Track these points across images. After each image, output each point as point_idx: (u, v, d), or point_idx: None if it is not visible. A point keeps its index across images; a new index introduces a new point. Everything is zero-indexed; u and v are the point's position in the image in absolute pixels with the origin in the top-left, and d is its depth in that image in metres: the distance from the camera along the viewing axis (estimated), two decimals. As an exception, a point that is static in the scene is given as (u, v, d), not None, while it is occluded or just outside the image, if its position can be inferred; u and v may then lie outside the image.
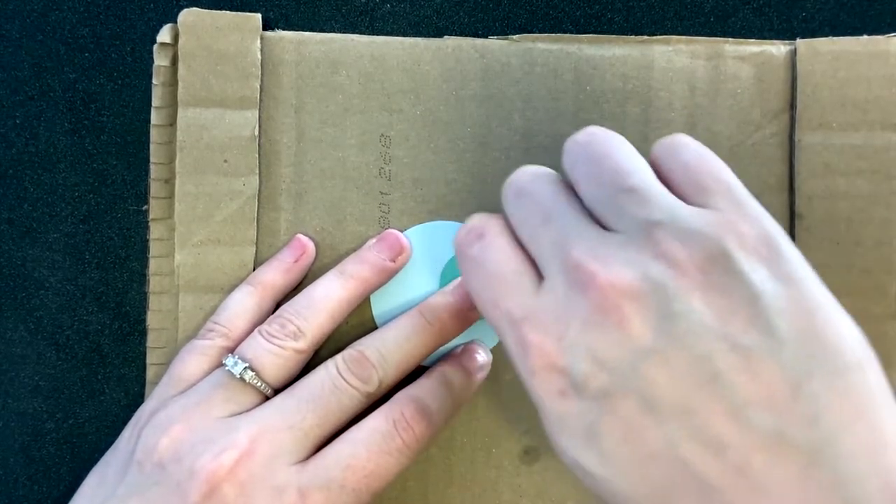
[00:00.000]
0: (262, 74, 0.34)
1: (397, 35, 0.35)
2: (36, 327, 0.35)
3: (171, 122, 0.34)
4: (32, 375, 0.35)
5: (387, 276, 0.33)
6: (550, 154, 0.34)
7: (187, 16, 0.33)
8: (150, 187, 0.34)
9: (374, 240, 0.34)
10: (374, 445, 0.29)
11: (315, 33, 0.34)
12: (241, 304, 0.33)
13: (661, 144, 0.27)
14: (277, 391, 0.31)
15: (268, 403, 0.30)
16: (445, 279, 0.34)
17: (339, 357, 0.31)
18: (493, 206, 0.34)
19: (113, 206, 0.35)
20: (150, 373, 0.34)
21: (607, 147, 0.26)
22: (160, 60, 0.33)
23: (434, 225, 0.34)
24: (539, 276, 0.26)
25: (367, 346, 0.31)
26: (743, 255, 0.23)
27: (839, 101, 0.34)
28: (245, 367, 0.30)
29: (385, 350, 0.31)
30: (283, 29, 0.34)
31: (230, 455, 0.28)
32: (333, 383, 0.30)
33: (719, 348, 0.22)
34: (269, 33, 0.34)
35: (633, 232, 0.24)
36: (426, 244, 0.34)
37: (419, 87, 0.34)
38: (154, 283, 0.34)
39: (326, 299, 0.32)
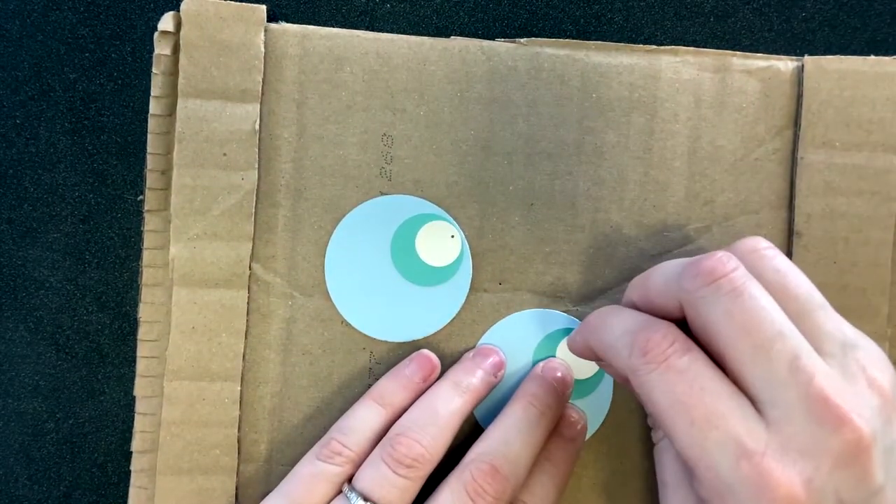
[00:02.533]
0: (264, 68, 0.33)
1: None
2: (36, 327, 0.34)
3: (170, 113, 0.33)
4: (32, 375, 0.34)
5: (491, 390, 0.33)
6: (554, 160, 0.34)
7: (190, 4, 0.32)
8: (146, 178, 0.33)
9: (472, 353, 0.33)
10: None
11: (320, 27, 0.33)
12: (370, 427, 0.31)
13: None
14: None
15: None
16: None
17: (467, 474, 0.29)
18: (494, 210, 0.34)
19: (113, 206, 0.34)
20: (141, 366, 0.33)
21: (789, 262, 0.27)
22: (161, 49, 0.33)
23: (520, 316, 0.34)
24: (749, 400, 0.24)
25: (494, 453, 0.30)
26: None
27: (843, 120, 0.34)
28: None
29: (513, 455, 0.30)
30: (288, 21, 0.34)
31: None
32: None
33: None
34: (273, 25, 0.33)
35: (840, 357, 0.25)
36: (516, 333, 0.34)
37: (424, 87, 0.34)
38: (147, 275, 0.33)
39: (450, 416, 0.31)
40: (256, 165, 0.33)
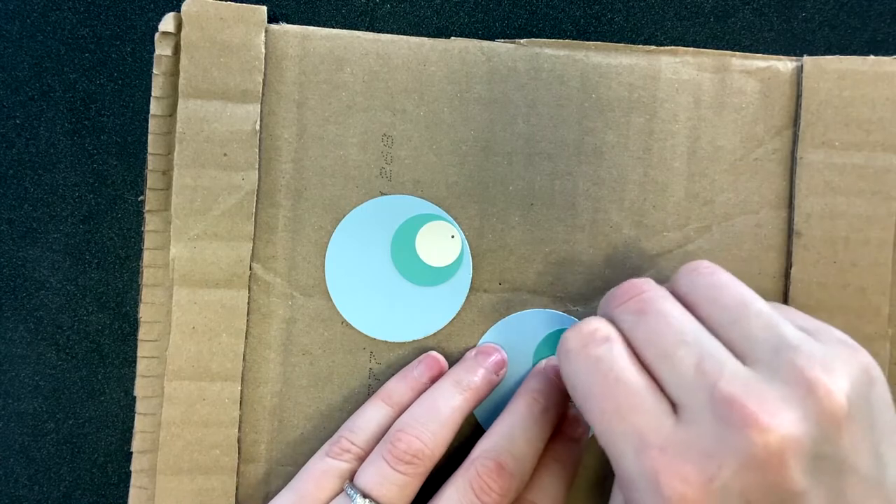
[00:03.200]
0: (265, 68, 0.33)
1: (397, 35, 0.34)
2: (36, 327, 0.34)
3: (171, 113, 0.33)
4: (32, 375, 0.34)
5: (493, 389, 0.33)
6: (553, 161, 0.34)
7: (191, 5, 0.33)
8: (147, 178, 0.33)
9: (474, 352, 0.33)
10: None
11: (320, 28, 0.34)
12: (378, 425, 0.32)
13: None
14: None
15: None
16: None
17: (472, 471, 0.29)
18: (494, 210, 0.34)
19: (113, 207, 0.34)
20: (141, 366, 0.33)
21: (729, 277, 0.26)
22: (162, 49, 0.33)
23: (520, 316, 0.34)
24: (670, 403, 0.24)
25: (499, 450, 0.30)
26: (865, 383, 0.24)
27: (843, 120, 0.34)
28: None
29: (518, 451, 0.30)
30: (288, 22, 0.34)
31: None
32: (471, 503, 0.29)
33: (852, 482, 0.23)
34: (273, 26, 0.33)
35: (775, 363, 0.24)
36: (516, 333, 0.34)
37: (424, 88, 0.34)
38: (147, 276, 0.33)
39: (451, 413, 0.31)
40: (257, 166, 0.33)
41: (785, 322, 0.25)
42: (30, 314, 0.34)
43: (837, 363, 0.24)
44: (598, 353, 0.26)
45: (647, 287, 0.27)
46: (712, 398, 0.23)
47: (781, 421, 0.22)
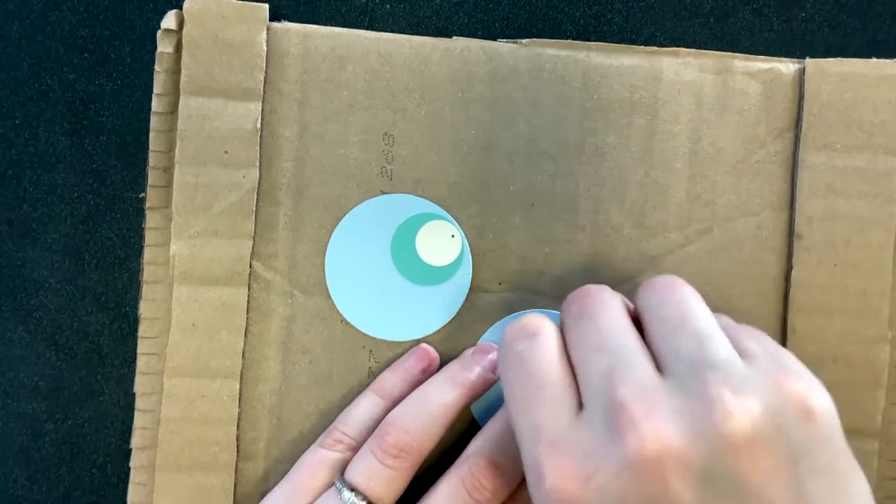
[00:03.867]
0: (266, 66, 0.33)
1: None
2: (36, 328, 0.34)
3: (172, 111, 0.33)
4: (32, 376, 0.35)
5: (489, 387, 0.32)
6: (555, 161, 0.34)
7: (193, 3, 0.33)
8: (148, 175, 0.33)
9: (471, 350, 0.33)
10: None
11: (322, 27, 0.34)
12: (370, 417, 0.32)
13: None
14: None
15: None
16: None
17: (465, 468, 0.29)
18: (494, 210, 0.34)
19: (112, 207, 0.35)
20: (141, 363, 0.33)
21: (683, 292, 0.26)
22: (164, 47, 0.33)
23: (519, 315, 0.34)
24: (580, 402, 0.25)
25: (493, 448, 0.30)
26: (790, 415, 0.23)
27: (845, 122, 0.34)
28: (359, 498, 0.29)
29: (512, 450, 0.29)
30: (290, 21, 0.34)
31: None
32: (463, 501, 0.29)
33: None
34: (275, 25, 0.33)
35: (687, 378, 0.23)
36: None
37: (425, 87, 0.34)
38: (148, 273, 0.33)
39: (444, 409, 0.31)
40: (258, 163, 0.33)
41: (720, 344, 0.24)
42: (29, 314, 0.35)
43: (756, 389, 0.23)
44: (520, 348, 0.26)
45: (593, 292, 0.27)
46: (607, 401, 0.23)
47: (663, 429, 0.22)
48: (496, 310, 0.34)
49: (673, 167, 0.34)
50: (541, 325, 0.27)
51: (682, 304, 0.26)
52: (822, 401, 0.24)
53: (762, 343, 0.25)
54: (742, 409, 0.22)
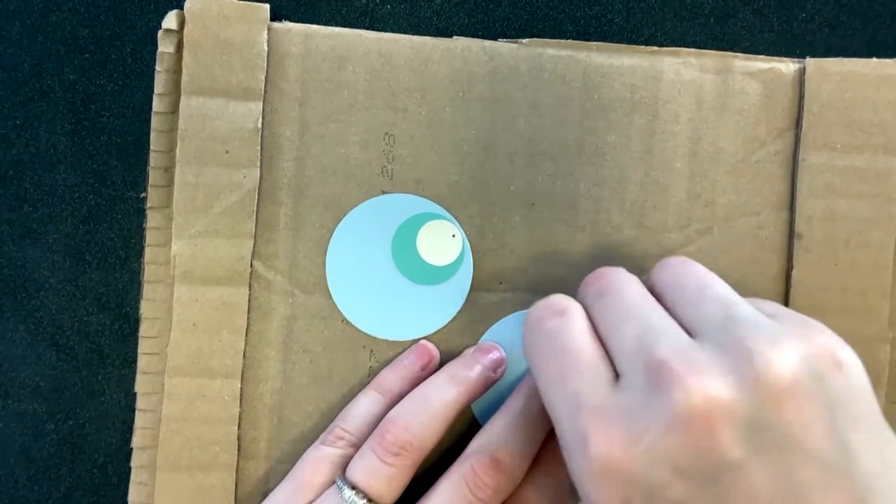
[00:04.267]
0: (267, 66, 0.33)
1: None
2: (36, 328, 0.34)
3: (173, 111, 0.33)
4: (32, 376, 0.35)
5: (489, 386, 0.33)
6: (555, 161, 0.34)
7: (194, 3, 0.33)
8: (149, 175, 0.33)
9: (472, 349, 0.33)
10: None
11: (323, 27, 0.34)
12: (370, 413, 0.32)
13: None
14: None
15: None
16: None
17: (466, 465, 0.30)
18: (495, 209, 0.34)
19: (113, 207, 0.35)
20: (142, 362, 0.33)
21: (697, 267, 0.27)
22: (164, 47, 0.33)
23: (520, 315, 0.34)
24: (615, 374, 0.25)
25: (495, 445, 0.30)
26: (823, 365, 0.23)
27: (845, 122, 0.34)
28: (359, 497, 0.29)
29: (515, 447, 0.30)
30: (291, 21, 0.34)
31: None
32: (465, 498, 0.29)
33: (801, 462, 0.22)
34: (276, 24, 0.33)
35: (721, 337, 0.24)
36: (516, 333, 0.34)
37: (426, 87, 0.34)
38: (149, 272, 0.33)
39: (444, 407, 0.31)
40: (258, 163, 0.33)
41: (743, 304, 0.25)
42: (30, 314, 0.35)
43: (788, 340, 0.23)
44: (550, 325, 0.26)
45: (613, 272, 0.28)
46: (646, 364, 0.23)
47: (707, 383, 0.22)
48: (496, 309, 0.34)
49: (673, 167, 0.34)
50: (567, 304, 0.27)
51: (699, 275, 0.27)
52: (849, 354, 0.24)
53: (780, 308, 0.26)
54: (781, 358, 0.23)
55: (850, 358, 0.24)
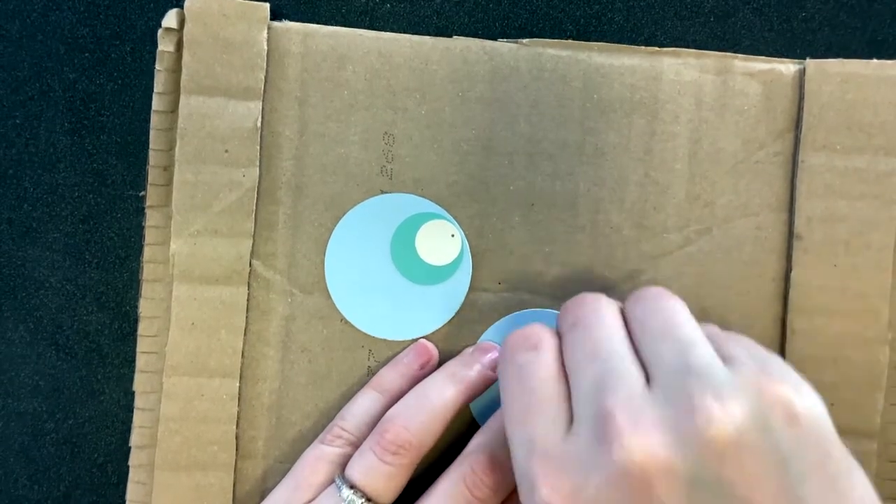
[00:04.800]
0: (267, 65, 0.33)
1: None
2: (36, 327, 0.34)
3: (173, 109, 0.33)
4: (32, 375, 0.35)
5: (488, 385, 0.32)
6: (555, 161, 0.34)
7: (194, 2, 0.33)
8: (148, 174, 0.33)
9: (472, 348, 0.33)
10: None
11: (323, 26, 0.34)
12: (369, 412, 0.32)
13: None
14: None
15: None
16: None
17: (465, 465, 0.30)
18: (494, 209, 0.34)
19: (113, 206, 0.35)
20: (141, 361, 0.33)
21: (669, 303, 0.27)
22: (164, 46, 0.33)
23: (520, 315, 0.34)
24: (571, 415, 0.25)
25: (494, 444, 0.30)
26: (774, 419, 0.23)
27: (845, 123, 0.34)
28: (357, 496, 0.29)
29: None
30: (291, 20, 0.34)
31: None
32: (464, 498, 0.29)
33: None
34: (276, 24, 0.33)
35: (672, 385, 0.24)
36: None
37: (425, 87, 0.34)
38: (148, 271, 0.33)
39: (443, 406, 0.31)
40: (258, 162, 0.33)
41: (703, 350, 0.24)
42: (29, 314, 0.35)
43: (738, 393, 0.23)
44: (521, 360, 0.26)
45: (591, 301, 0.28)
46: (595, 413, 0.23)
47: (647, 440, 0.22)
48: (496, 309, 0.34)
49: (673, 167, 0.34)
50: (541, 337, 0.27)
51: (667, 313, 0.26)
52: (807, 403, 0.24)
53: (748, 349, 0.25)
54: (724, 414, 0.22)
55: (807, 406, 0.23)
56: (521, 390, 0.26)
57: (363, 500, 0.29)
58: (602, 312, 0.27)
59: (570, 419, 0.25)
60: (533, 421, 0.25)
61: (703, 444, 0.22)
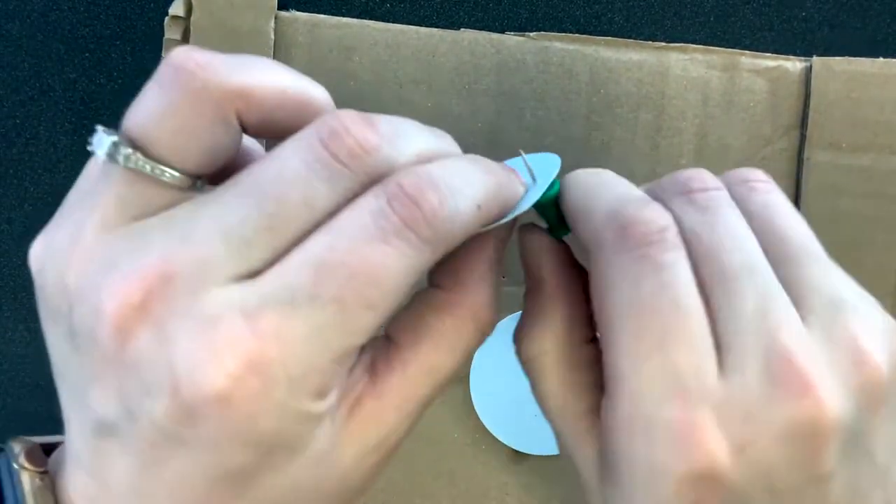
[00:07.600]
0: (274, 55, 0.33)
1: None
2: (36, 327, 0.34)
3: (179, 98, 0.33)
4: (32, 375, 0.34)
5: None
6: (560, 155, 0.34)
7: (201, -10, 0.33)
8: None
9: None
10: (358, 231, 0.18)
11: (330, 16, 0.34)
12: None
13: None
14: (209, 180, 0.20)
15: (191, 203, 0.19)
16: None
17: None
18: (500, 203, 0.34)
19: (114, 204, 0.34)
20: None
21: (785, 200, 0.21)
22: (171, 34, 0.33)
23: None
24: (716, 341, 0.19)
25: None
26: None
27: (850, 121, 0.34)
28: (122, 146, 0.19)
29: (408, 127, 0.21)
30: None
31: (134, 286, 0.18)
32: (304, 161, 0.18)
33: (869, 472, 0.19)
34: (283, 13, 0.33)
35: (827, 316, 0.19)
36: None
37: (432, 79, 0.34)
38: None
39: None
40: (263, 153, 0.33)
41: (840, 272, 0.20)
42: (30, 314, 0.34)
43: (885, 333, 0.19)
44: (663, 259, 0.19)
45: (716, 184, 0.21)
46: (768, 349, 0.19)
47: (834, 396, 0.18)
48: (501, 303, 0.34)
49: (678, 163, 0.34)
50: (674, 229, 0.20)
51: (795, 217, 0.21)
52: None
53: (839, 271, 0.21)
54: (884, 362, 0.19)
55: None
56: (658, 303, 0.19)
57: (130, 151, 0.19)
58: (733, 206, 0.21)
59: (716, 351, 0.19)
60: (678, 350, 0.19)
61: (866, 396, 0.19)
